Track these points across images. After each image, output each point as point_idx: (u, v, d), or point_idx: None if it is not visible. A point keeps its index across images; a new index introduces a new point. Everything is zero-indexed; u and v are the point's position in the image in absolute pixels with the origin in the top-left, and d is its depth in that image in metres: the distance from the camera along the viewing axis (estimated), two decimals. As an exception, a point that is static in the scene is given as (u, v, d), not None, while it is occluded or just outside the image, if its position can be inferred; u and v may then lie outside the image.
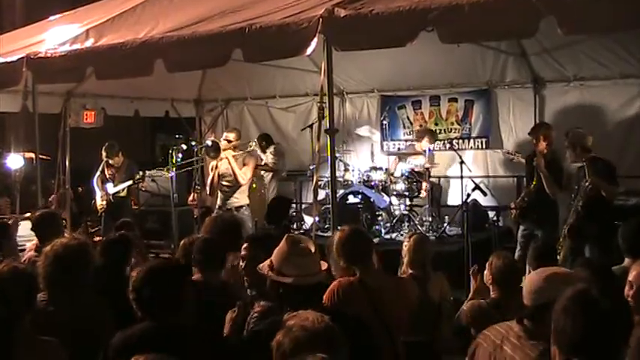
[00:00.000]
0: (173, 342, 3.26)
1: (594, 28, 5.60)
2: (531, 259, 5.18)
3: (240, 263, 4.32)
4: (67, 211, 10.85)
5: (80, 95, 11.12)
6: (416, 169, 10.56)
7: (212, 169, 8.96)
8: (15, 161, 11.80)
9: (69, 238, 4.44)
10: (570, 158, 7.47)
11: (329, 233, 6.89)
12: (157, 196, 12.09)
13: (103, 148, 10.44)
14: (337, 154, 9.87)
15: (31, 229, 6.45)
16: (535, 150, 7.96)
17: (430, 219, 10.29)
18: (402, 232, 9.77)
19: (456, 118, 11.37)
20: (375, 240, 8.55)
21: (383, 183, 10.73)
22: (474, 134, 11.22)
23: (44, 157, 9.77)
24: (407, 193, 10.60)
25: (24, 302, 3.53)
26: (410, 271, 5.29)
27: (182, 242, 5.28)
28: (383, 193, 10.69)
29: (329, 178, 6.54)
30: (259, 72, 10.73)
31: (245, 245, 4.12)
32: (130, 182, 10.28)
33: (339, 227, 5.03)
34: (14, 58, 8.03)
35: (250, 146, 9.21)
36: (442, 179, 11.14)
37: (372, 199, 10.29)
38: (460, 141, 11.24)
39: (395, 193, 10.74)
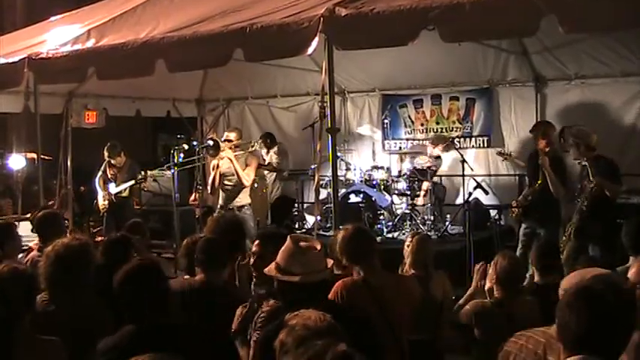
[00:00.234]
0: (155, 343, 3.24)
1: (595, 26, 5.60)
2: (535, 257, 5.19)
3: (250, 260, 4.32)
4: (69, 211, 10.86)
5: (82, 95, 11.13)
6: (418, 167, 10.59)
7: (213, 169, 8.96)
8: (17, 162, 11.85)
9: (70, 238, 4.43)
10: (573, 155, 7.47)
11: (331, 232, 6.90)
12: (158, 195, 12.10)
13: (105, 148, 10.45)
14: (339, 154, 9.87)
15: (33, 230, 6.46)
16: (537, 148, 7.96)
17: (432, 218, 10.29)
18: (403, 231, 9.77)
19: (457, 117, 11.36)
20: (377, 239, 8.56)
21: (385, 182, 10.74)
22: (475, 133, 11.22)
23: (46, 157, 9.79)
24: (408, 192, 10.61)
25: (24, 302, 3.54)
26: (412, 271, 5.29)
27: (184, 242, 5.27)
28: (385, 192, 10.69)
29: (330, 178, 6.54)
30: (260, 71, 10.73)
31: (256, 242, 4.13)
32: (132, 182, 10.29)
33: (340, 227, 5.03)
34: (16, 58, 8.04)
35: (252, 146, 9.21)
36: (444, 178, 11.13)
37: (373, 198, 10.29)
38: (462, 140, 11.22)
39: (396, 192, 10.75)
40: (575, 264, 5.26)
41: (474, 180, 10.12)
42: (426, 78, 11.24)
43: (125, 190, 10.34)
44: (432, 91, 11.52)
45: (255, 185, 10.05)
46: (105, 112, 11.62)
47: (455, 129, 11.38)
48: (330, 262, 3.86)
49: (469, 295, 5.07)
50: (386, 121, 11.60)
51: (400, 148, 11.73)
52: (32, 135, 9.18)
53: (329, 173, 6.91)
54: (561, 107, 10.28)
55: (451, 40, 5.93)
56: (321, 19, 5.69)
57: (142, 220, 7.48)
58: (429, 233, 9.29)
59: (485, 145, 11.10)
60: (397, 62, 10.40)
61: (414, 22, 5.44)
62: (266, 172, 11.50)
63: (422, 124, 11.65)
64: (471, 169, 10.22)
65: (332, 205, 6.74)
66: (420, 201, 10.64)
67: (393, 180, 10.74)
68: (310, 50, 5.85)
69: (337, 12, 5.70)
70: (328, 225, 9.10)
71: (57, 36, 8.46)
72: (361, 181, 10.76)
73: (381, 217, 10.21)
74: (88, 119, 11.34)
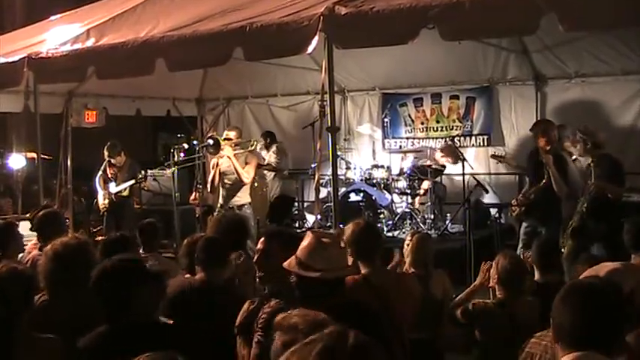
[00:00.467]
0: (131, 343, 3.22)
1: (595, 24, 5.60)
2: (535, 256, 5.19)
3: (255, 257, 4.19)
4: (69, 211, 10.85)
5: (82, 95, 11.12)
6: (418, 164, 10.62)
7: (213, 167, 8.96)
8: (17, 161, 11.84)
9: (70, 237, 4.44)
10: (579, 152, 7.46)
11: (331, 231, 6.89)
12: (158, 195, 12.10)
13: (105, 147, 10.45)
14: (339, 152, 9.88)
15: (32, 229, 6.45)
16: (536, 146, 7.95)
17: (432, 217, 10.29)
18: (404, 230, 9.78)
19: (457, 116, 11.37)
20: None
21: (385, 181, 10.74)
22: (475, 131, 11.22)
23: (46, 157, 9.79)
24: (409, 191, 10.61)
25: (23, 302, 3.54)
26: (412, 270, 5.29)
27: (185, 241, 5.28)
28: (385, 191, 10.70)
29: (330, 176, 6.54)
30: (260, 70, 10.73)
31: (262, 239, 4.06)
32: (132, 182, 10.29)
33: (341, 224, 5.03)
34: (15, 58, 8.03)
35: (252, 145, 9.21)
36: (444, 177, 11.13)
37: (373, 197, 10.29)
38: (462, 138, 11.22)
39: (397, 191, 10.75)
40: (575, 262, 5.27)
41: (475, 179, 10.13)
42: (426, 77, 11.25)
43: (125, 189, 10.34)
44: (432, 90, 11.53)
45: (255, 184, 10.05)
46: (105, 112, 11.62)
47: (455, 128, 11.38)
48: (351, 259, 3.84)
49: (468, 293, 5.07)
50: (386, 119, 11.60)
51: (400, 146, 11.74)
52: (32, 134, 9.17)
53: (329, 172, 6.91)
54: (561, 106, 10.29)
55: (451, 39, 5.93)
56: (321, 17, 5.68)
57: (141, 219, 7.47)
58: (429, 232, 9.30)
59: (486, 144, 11.10)
60: (397, 61, 10.40)
61: (414, 20, 5.44)
62: (265, 171, 11.50)
63: (422, 123, 11.66)
64: (471, 168, 10.22)
65: (332, 204, 6.73)
66: (420, 200, 10.65)
67: (393, 179, 10.74)
68: (310, 49, 5.84)
69: (337, 11, 5.69)
70: (328, 224, 9.09)
71: (57, 35, 8.45)
72: (361, 179, 10.77)
73: (381, 216, 10.22)
74: (88, 119, 11.33)
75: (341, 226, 6.06)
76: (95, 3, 9.95)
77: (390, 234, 9.93)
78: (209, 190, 9.32)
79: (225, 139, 8.80)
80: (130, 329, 3.34)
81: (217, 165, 8.79)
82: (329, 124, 6.07)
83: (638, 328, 2.95)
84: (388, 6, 5.51)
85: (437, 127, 11.56)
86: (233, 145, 8.76)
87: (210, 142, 8.76)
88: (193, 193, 10.75)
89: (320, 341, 1.86)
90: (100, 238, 8.72)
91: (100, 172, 10.55)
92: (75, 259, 4.12)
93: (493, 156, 9.86)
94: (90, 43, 7.72)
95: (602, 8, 4.95)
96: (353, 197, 10.40)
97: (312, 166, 9.88)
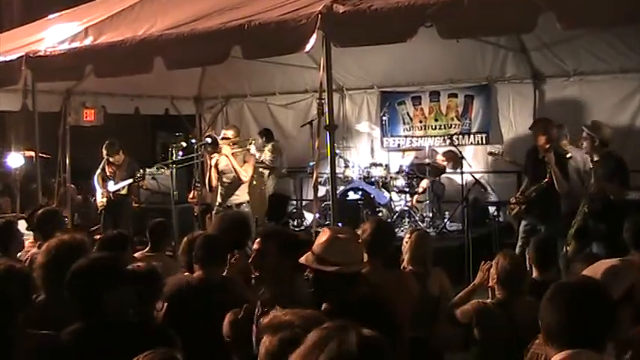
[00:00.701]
0: (102, 342, 3.21)
1: (593, 22, 5.61)
2: (533, 253, 5.20)
3: (250, 257, 4.10)
4: (67, 209, 10.85)
5: (80, 93, 11.12)
6: (417, 162, 10.63)
7: (213, 166, 8.96)
8: (15, 160, 11.84)
9: (67, 235, 4.45)
10: (586, 150, 7.46)
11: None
12: (157, 193, 12.09)
13: (104, 146, 10.44)
14: (337, 151, 9.86)
15: (28, 228, 6.45)
16: (536, 145, 7.95)
17: (431, 215, 10.30)
18: (402, 228, 9.78)
19: (455, 114, 11.38)
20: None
21: (383, 179, 10.75)
22: (473, 130, 11.23)
23: (44, 155, 9.77)
24: (407, 189, 10.62)
25: (21, 301, 3.54)
26: (410, 267, 5.29)
27: (185, 239, 5.28)
28: (383, 189, 10.70)
29: (329, 175, 6.54)
30: (258, 69, 10.72)
31: (258, 239, 4.00)
32: (130, 181, 10.29)
33: (339, 223, 5.03)
34: (13, 56, 8.02)
35: (250, 144, 9.21)
36: (443, 175, 11.13)
37: (372, 196, 10.30)
38: (460, 137, 11.22)
39: (395, 189, 10.76)
40: (573, 260, 5.28)
41: (473, 177, 10.13)
42: (425, 75, 11.25)
43: (123, 188, 10.33)
44: (430, 88, 11.54)
45: (254, 182, 10.05)
46: (103, 110, 11.61)
47: (453, 126, 11.38)
48: (365, 255, 3.84)
49: (467, 292, 5.07)
50: (384, 118, 11.60)
51: (399, 145, 11.75)
52: (30, 133, 9.19)
53: (328, 170, 6.90)
54: (560, 104, 10.29)
55: (449, 37, 5.93)
56: (319, 16, 5.68)
57: (139, 218, 7.47)
58: (427, 230, 9.30)
59: (484, 142, 11.10)
60: (395, 59, 10.40)
61: (412, 18, 5.43)
62: (260, 169, 11.49)
63: (420, 121, 11.66)
64: (470, 166, 10.23)
65: (331, 202, 6.72)
66: (418, 198, 10.66)
67: (391, 177, 10.75)
68: (308, 47, 5.83)
69: (335, 9, 5.69)
70: (327, 222, 9.09)
71: (55, 34, 8.44)
72: (360, 178, 10.78)
73: (380, 214, 10.21)
74: (86, 117, 11.32)
75: (340, 225, 6.07)
76: (93, 1, 9.94)
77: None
78: (208, 189, 9.32)
79: (223, 138, 8.80)
80: (102, 328, 3.30)
81: (216, 164, 8.78)
82: (327, 122, 6.07)
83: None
84: (386, 4, 5.51)
85: (435, 126, 11.57)
86: (231, 143, 8.75)
87: (208, 140, 8.75)
88: (192, 192, 10.75)
89: (331, 340, 1.82)
90: (98, 236, 8.72)
91: (99, 171, 10.54)
92: (71, 258, 4.11)
93: (490, 153, 9.87)
94: (88, 41, 7.71)
95: (600, 6, 4.95)
96: (352, 196, 10.40)
97: (311, 164, 9.89)
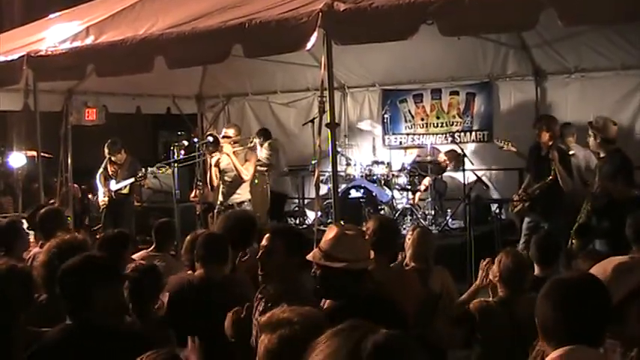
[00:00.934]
0: (86, 343, 3.18)
1: (594, 19, 5.60)
2: (534, 250, 5.19)
3: (258, 254, 4.08)
4: (69, 209, 10.86)
5: (81, 93, 11.11)
6: (419, 160, 10.63)
7: (213, 165, 8.97)
8: (17, 160, 11.85)
9: (68, 235, 4.46)
10: (592, 147, 7.45)
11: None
12: (159, 192, 12.11)
13: (106, 145, 10.46)
14: (339, 149, 9.87)
15: (29, 228, 6.45)
16: (538, 141, 7.94)
17: (433, 212, 10.29)
18: (404, 226, 9.77)
19: (457, 112, 11.37)
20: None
21: (385, 177, 10.75)
22: (475, 127, 11.23)
23: (46, 155, 9.79)
24: (409, 187, 10.62)
25: (22, 300, 3.54)
26: (413, 264, 5.28)
27: (188, 238, 5.29)
28: (385, 187, 10.70)
29: (331, 173, 6.54)
30: (259, 67, 10.72)
31: (267, 236, 3.98)
32: (131, 180, 10.30)
33: (341, 221, 5.03)
34: (15, 56, 8.02)
35: (251, 142, 9.21)
36: (444, 173, 11.13)
37: (374, 193, 10.30)
38: (462, 134, 11.22)
39: (397, 187, 10.75)
40: (576, 256, 5.27)
41: (475, 174, 10.13)
42: (426, 72, 11.24)
43: (125, 187, 10.34)
44: (431, 86, 11.53)
45: (256, 181, 10.05)
46: (105, 110, 11.60)
47: (455, 123, 11.38)
48: (372, 252, 3.84)
49: (471, 292, 5.06)
50: (386, 116, 11.60)
51: (400, 143, 11.75)
52: (32, 133, 9.17)
53: (329, 168, 6.90)
54: (561, 101, 10.28)
55: (450, 35, 5.93)
56: (320, 14, 5.67)
57: (141, 217, 7.47)
58: (429, 228, 9.30)
59: (486, 140, 11.10)
60: (397, 57, 10.38)
61: (413, 16, 5.43)
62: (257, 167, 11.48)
63: (422, 119, 11.66)
64: (472, 164, 10.22)
65: (332, 200, 6.72)
66: (420, 195, 10.66)
67: (393, 175, 10.75)
68: (309, 45, 5.83)
69: (336, 7, 5.68)
70: (329, 220, 9.09)
71: (56, 33, 8.44)
72: (362, 176, 10.78)
73: (382, 212, 10.20)
74: (88, 116, 11.32)
75: (342, 222, 6.07)
76: (94, 1, 9.94)
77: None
78: (209, 188, 9.33)
79: (224, 136, 8.81)
80: (89, 328, 3.25)
81: (217, 163, 8.79)
82: (329, 120, 6.07)
83: None
84: (387, 2, 5.50)
85: (437, 123, 11.56)
86: (232, 142, 8.76)
87: (210, 139, 8.76)
88: (193, 191, 10.75)
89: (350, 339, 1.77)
90: (99, 236, 8.73)
91: (101, 170, 10.56)
92: (72, 256, 4.12)
93: (497, 140, 9.81)
94: (89, 40, 7.71)
95: (602, 3, 4.95)
96: (353, 194, 10.40)
97: (313, 162, 9.88)
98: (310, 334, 2.30)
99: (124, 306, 3.56)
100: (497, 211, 8.73)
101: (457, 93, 11.36)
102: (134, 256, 5.98)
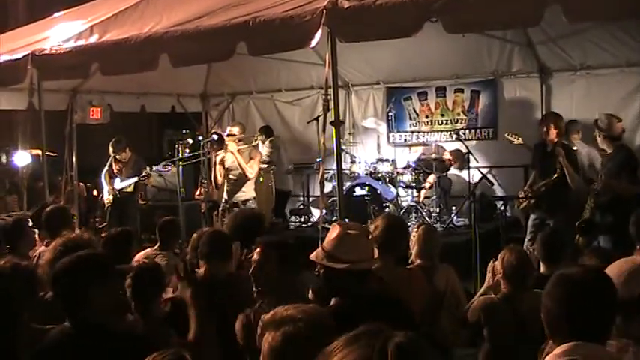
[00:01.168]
0: (81, 344, 3.18)
1: (599, 16, 5.59)
2: (540, 247, 5.19)
3: (251, 269, 3.98)
4: (75, 208, 10.88)
5: (86, 91, 11.12)
6: (423, 157, 10.63)
7: (218, 163, 8.97)
8: (22, 158, 11.86)
9: (74, 233, 4.47)
10: (598, 143, 7.43)
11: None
12: (164, 190, 12.11)
13: (110, 143, 10.49)
14: (343, 147, 9.86)
15: (34, 226, 6.45)
16: (544, 139, 7.92)
17: (438, 210, 10.28)
18: (409, 224, 9.75)
19: (462, 109, 11.36)
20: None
21: (390, 175, 10.74)
22: (480, 124, 11.21)
23: (51, 154, 9.79)
24: (414, 185, 10.61)
25: (26, 298, 3.54)
26: (418, 261, 5.28)
27: (193, 236, 5.30)
28: (390, 185, 10.69)
29: (335, 171, 6.53)
30: (264, 65, 10.73)
31: (258, 249, 3.90)
32: (135, 179, 10.32)
33: (346, 219, 5.02)
34: (19, 55, 8.04)
35: (255, 140, 9.21)
36: (449, 171, 11.11)
37: (379, 191, 10.30)
38: (467, 131, 11.21)
39: (402, 184, 10.75)
40: (582, 253, 5.26)
41: (480, 172, 10.10)
42: (431, 70, 11.22)
43: (130, 185, 10.36)
44: (436, 84, 11.51)
45: (260, 179, 10.05)
46: (109, 108, 11.60)
47: (460, 121, 11.36)
48: (376, 251, 3.82)
49: (481, 295, 5.06)
50: (391, 113, 11.57)
51: (405, 140, 11.74)
52: (37, 132, 9.18)
53: (334, 166, 6.89)
54: (566, 98, 10.25)
55: (455, 32, 5.91)
56: (324, 11, 5.66)
57: (146, 215, 7.47)
58: (434, 225, 9.30)
59: (490, 137, 11.09)
60: (401, 54, 10.37)
61: (418, 13, 5.42)
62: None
63: (427, 117, 11.65)
64: (476, 161, 10.20)
65: (337, 198, 6.71)
66: (425, 193, 10.65)
67: (398, 173, 10.74)
68: (313, 43, 5.82)
69: (340, 4, 5.67)
70: (334, 218, 9.08)
71: (60, 32, 8.45)
72: (366, 174, 10.78)
73: (387, 210, 10.20)
74: (92, 115, 11.32)
75: (346, 220, 6.06)
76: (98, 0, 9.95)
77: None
78: (214, 186, 9.33)
79: (228, 135, 8.81)
80: (87, 328, 3.23)
81: (222, 161, 8.78)
82: (333, 118, 6.06)
83: None
84: (391, -1, 5.49)
85: (442, 121, 11.55)
86: (237, 140, 8.76)
87: (214, 137, 8.76)
88: (198, 189, 10.76)
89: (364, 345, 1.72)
90: (104, 234, 8.74)
91: (106, 168, 10.59)
92: None
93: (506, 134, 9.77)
94: (93, 39, 7.72)
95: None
96: (358, 192, 10.40)
97: (317, 160, 9.88)
98: (314, 331, 2.31)
99: (125, 304, 3.54)
100: (503, 208, 8.71)
101: (462, 90, 11.34)
102: (139, 255, 6.00)
